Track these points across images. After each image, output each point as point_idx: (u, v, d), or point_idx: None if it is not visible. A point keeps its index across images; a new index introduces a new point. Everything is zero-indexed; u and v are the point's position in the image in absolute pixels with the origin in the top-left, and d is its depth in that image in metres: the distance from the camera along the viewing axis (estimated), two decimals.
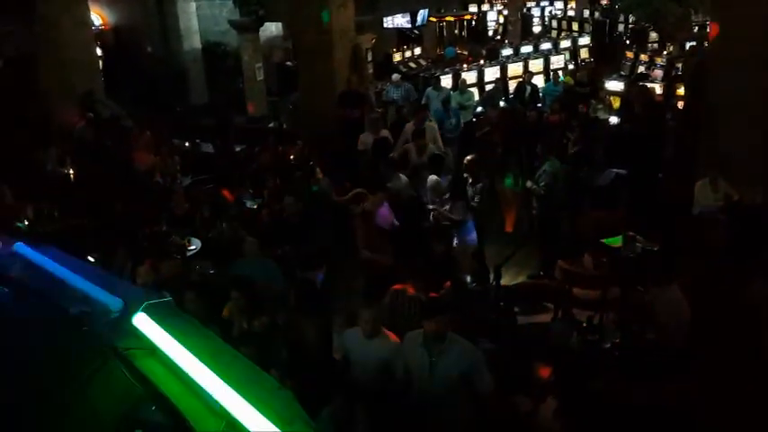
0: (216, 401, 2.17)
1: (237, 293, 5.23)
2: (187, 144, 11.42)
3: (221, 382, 2.21)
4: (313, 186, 8.27)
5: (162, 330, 2.47)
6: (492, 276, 6.50)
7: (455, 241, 7.05)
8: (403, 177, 7.86)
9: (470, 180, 7.83)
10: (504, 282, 7.27)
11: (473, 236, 7.29)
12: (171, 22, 16.89)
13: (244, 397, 2.13)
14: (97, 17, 16.25)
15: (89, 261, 3.59)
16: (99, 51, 15.17)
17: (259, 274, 5.92)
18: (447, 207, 7.35)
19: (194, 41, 17.14)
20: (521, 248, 7.67)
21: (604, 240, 7.11)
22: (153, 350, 2.44)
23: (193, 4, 17.09)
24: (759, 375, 5.11)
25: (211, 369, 2.26)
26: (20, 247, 3.34)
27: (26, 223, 7.43)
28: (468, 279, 7.88)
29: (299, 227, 6.93)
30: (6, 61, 11.81)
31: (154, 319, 2.54)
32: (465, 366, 4.04)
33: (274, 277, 6.04)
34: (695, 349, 5.30)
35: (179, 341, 2.39)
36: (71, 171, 9.56)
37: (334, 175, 8.48)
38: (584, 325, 5.55)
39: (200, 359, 2.31)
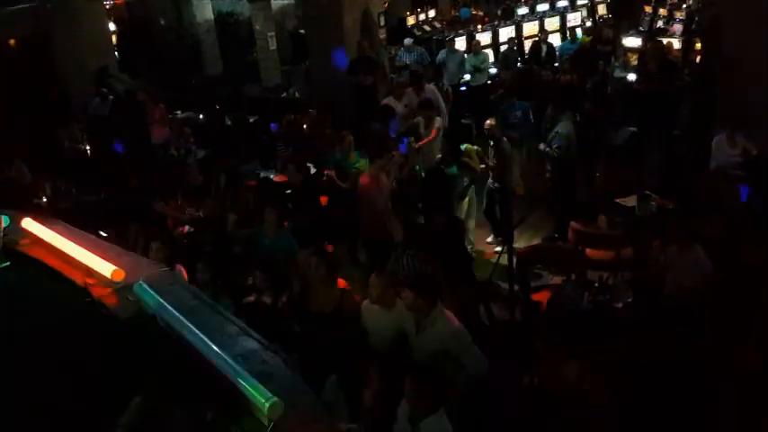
0: (212, 366, 2.23)
1: (261, 274, 5.31)
2: (201, 116, 11.47)
3: (216, 348, 2.26)
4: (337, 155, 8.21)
5: (161, 299, 2.52)
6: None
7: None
8: None
9: (491, 143, 7.76)
10: (518, 245, 7.30)
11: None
12: None
13: (236, 362, 2.18)
14: None
15: (96, 235, 3.65)
16: (112, 26, 15.22)
17: (278, 245, 6.00)
18: None
19: (206, 12, 17.05)
20: (534, 211, 7.64)
21: (619, 200, 7.07)
22: (153, 318, 2.50)
23: None
24: None
25: (207, 336, 2.31)
26: (28, 222, 3.40)
27: (44, 200, 7.57)
28: (491, 239, 7.95)
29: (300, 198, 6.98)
30: (22, 39, 11.90)
31: (153, 289, 2.59)
32: (446, 343, 4.05)
33: (292, 249, 6.11)
34: (713, 308, 5.27)
35: (177, 309, 2.44)
36: (87, 147, 9.68)
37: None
38: (596, 286, 5.54)
39: (197, 326, 2.36)
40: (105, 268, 2.81)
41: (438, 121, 8.38)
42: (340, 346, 4.26)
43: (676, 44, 11.68)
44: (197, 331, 2.34)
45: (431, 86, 9.67)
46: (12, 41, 12.03)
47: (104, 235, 5.32)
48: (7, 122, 9.75)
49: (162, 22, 16.73)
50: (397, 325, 4.34)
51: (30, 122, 9.89)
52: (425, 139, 8.13)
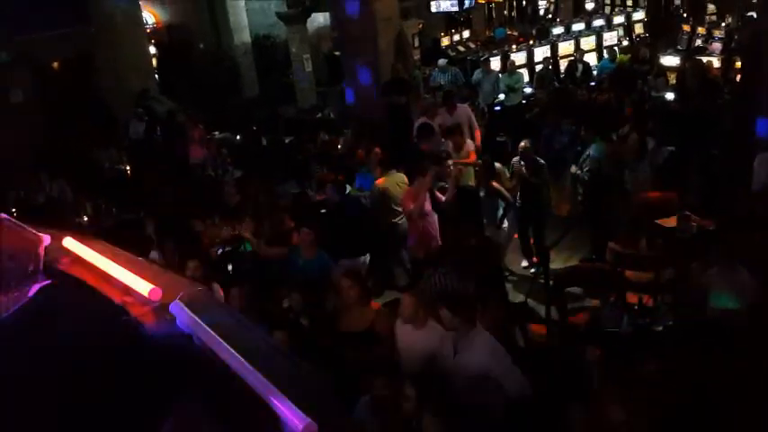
0: (246, 386, 2.21)
1: (297, 296, 5.33)
2: (238, 137, 11.64)
3: (253, 368, 2.25)
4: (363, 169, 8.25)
5: (197, 319, 2.52)
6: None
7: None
8: None
9: (523, 164, 7.69)
10: (555, 266, 7.21)
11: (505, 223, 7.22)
12: (221, 18, 17.20)
13: (274, 383, 2.16)
14: (150, 16, 16.65)
15: (135, 253, 3.69)
16: (153, 49, 15.59)
17: (312, 265, 6.01)
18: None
19: (244, 36, 17.40)
20: (570, 232, 7.54)
21: (658, 221, 6.94)
22: (188, 337, 2.50)
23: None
24: None
25: (243, 356, 2.30)
26: (68, 241, 3.46)
27: (85, 219, 7.73)
28: (525, 263, 7.87)
29: (337, 213, 7.00)
30: (65, 62, 12.25)
31: (190, 308, 2.60)
32: (488, 364, 3.92)
33: (327, 269, 6.11)
34: (757, 330, 5.11)
35: (212, 328, 2.44)
36: (127, 167, 9.89)
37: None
38: (636, 308, 5.43)
39: (234, 347, 2.35)
40: (143, 287, 2.83)
41: (470, 145, 8.33)
42: (373, 367, 4.22)
43: (716, 62, 11.52)
44: (232, 351, 2.34)
45: (464, 106, 9.65)
46: (56, 64, 12.39)
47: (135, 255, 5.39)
48: (51, 142, 10.02)
49: (201, 46, 17.09)
50: (429, 345, 4.28)
51: (72, 143, 10.14)
52: (462, 160, 8.10)
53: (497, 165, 7.69)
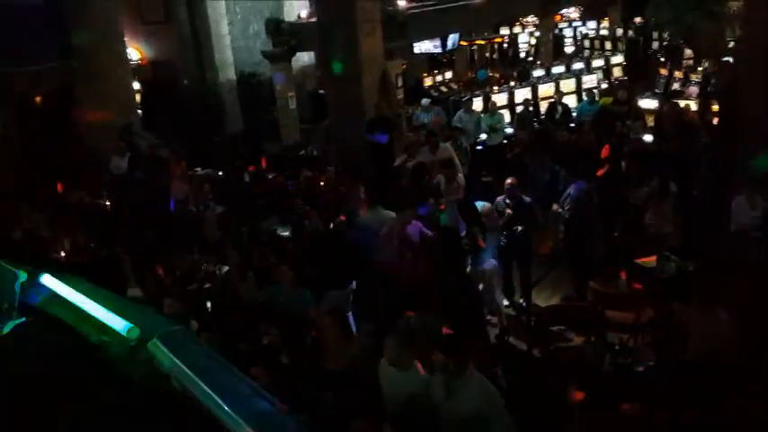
0: (224, 427, 2.18)
1: (276, 332, 5.27)
2: (221, 173, 11.61)
3: (231, 410, 2.22)
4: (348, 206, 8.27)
5: (175, 358, 2.49)
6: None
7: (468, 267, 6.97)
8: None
9: (508, 202, 7.72)
10: (536, 304, 7.22)
11: (490, 262, 7.18)
12: (206, 56, 17.29)
13: (249, 423, 2.13)
14: (135, 52, 16.71)
15: (113, 291, 3.65)
16: (137, 85, 15.60)
17: (294, 303, 5.96)
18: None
19: (229, 73, 17.48)
20: (551, 271, 7.58)
21: (638, 261, 6.99)
22: (166, 377, 2.46)
23: (228, 37, 17.46)
24: None
25: (220, 397, 2.27)
26: (45, 277, 3.40)
27: (62, 254, 7.62)
28: (506, 302, 7.85)
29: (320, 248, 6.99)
30: (46, 96, 12.20)
31: (168, 347, 2.56)
32: (481, 406, 3.88)
33: (308, 307, 6.05)
34: (736, 370, 5.13)
35: (191, 369, 2.41)
36: (107, 203, 9.80)
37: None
38: (617, 348, 5.43)
39: (211, 387, 2.32)
40: (120, 325, 2.79)
41: (461, 180, 8.40)
42: (353, 407, 4.16)
43: (693, 106, 11.76)
44: (210, 391, 2.30)
45: (446, 145, 9.76)
46: (38, 98, 12.35)
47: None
48: (30, 177, 9.93)
49: (185, 82, 17.15)
50: (414, 388, 4.22)
51: (52, 177, 10.06)
52: (453, 197, 8.14)
53: (484, 204, 7.70)
